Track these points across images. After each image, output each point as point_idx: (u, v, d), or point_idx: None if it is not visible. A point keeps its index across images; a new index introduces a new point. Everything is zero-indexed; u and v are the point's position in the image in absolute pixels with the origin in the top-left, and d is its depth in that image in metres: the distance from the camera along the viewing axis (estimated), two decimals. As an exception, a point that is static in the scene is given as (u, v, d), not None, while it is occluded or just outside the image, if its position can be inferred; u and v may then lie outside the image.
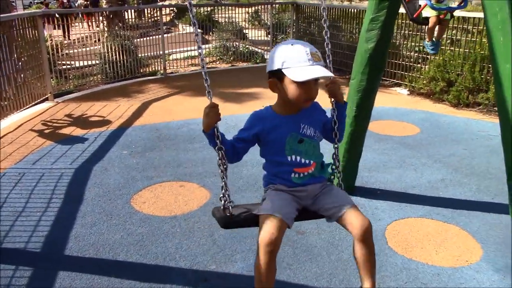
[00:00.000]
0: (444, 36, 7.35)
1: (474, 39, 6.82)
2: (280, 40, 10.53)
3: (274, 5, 11.48)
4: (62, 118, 6.31)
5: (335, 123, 2.09)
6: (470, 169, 4.66)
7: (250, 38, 11.57)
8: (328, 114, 2.16)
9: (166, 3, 24.63)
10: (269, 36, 10.80)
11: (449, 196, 4.10)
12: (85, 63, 8.52)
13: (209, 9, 11.92)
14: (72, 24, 10.13)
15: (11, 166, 4.65)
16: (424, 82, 7.38)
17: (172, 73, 9.38)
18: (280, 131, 1.98)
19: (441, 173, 4.56)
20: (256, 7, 13.14)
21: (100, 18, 9.40)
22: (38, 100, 6.89)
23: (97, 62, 8.60)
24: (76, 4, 23.97)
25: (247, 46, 10.85)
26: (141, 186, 4.23)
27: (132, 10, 10.15)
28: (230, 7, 11.07)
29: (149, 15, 10.60)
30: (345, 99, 2.14)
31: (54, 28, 8.71)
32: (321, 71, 1.87)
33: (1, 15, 6.60)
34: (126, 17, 9.80)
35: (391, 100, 7.21)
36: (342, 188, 2.15)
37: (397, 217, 3.71)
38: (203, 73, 1.94)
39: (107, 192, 4.12)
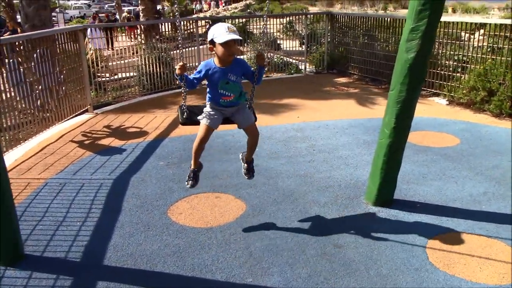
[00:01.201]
0: (485, 44, 7.16)
1: (517, 47, 6.58)
2: (314, 51, 10.50)
3: (308, 15, 11.47)
4: (101, 129, 6.46)
5: (256, 76, 3.42)
6: (515, 182, 4.48)
7: (284, 48, 11.58)
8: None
9: (201, 15, 25.04)
10: (303, 46, 10.78)
11: (492, 210, 3.94)
12: (123, 75, 8.73)
13: (243, 20, 12.02)
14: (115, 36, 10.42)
15: (52, 176, 4.79)
16: (464, 91, 7.17)
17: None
18: (217, 76, 3.32)
19: (483, 186, 4.40)
20: (290, 18, 13.15)
21: (138, 31, 9.62)
22: (78, 112, 7.09)
23: (135, 74, 8.79)
24: (121, 17, 24.68)
25: (281, 56, 10.86)
26: (177, 197, 4.27)
27: (168, 23, 10.35)
28: (264, 18, 11.12)
29: (184, 27, 10.77)
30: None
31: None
32: (233, 36, 3.17)
33: (45, 30, 6.86)
34: (162, 30, 10.00)
35: (429, 110, 7.04)
36: (252, 110, 3.57)
37: (438, 232, 3.60)
38: (179, 40, 3.47)
39: (144, 202, 4.17)
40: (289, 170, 4.71)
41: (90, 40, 9.79)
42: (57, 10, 29.51)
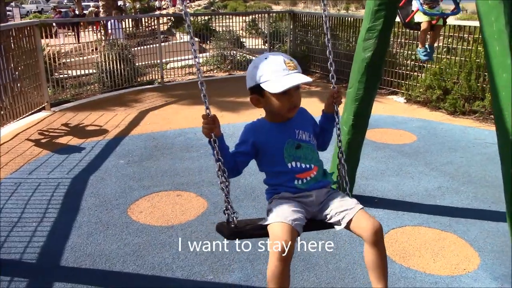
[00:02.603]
0: (440, 44, 7.41)
1: (470, 48, 6.86)
2: (277, 49, 10.58)
3: (271, 14, 11.54)
4: (59, 127, 6.30)
5: (332, 127, 2.17)
6: (467, 177, 4.67)
7: (247, 46, 11.61)
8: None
9: (164, 12, 24.72)
10: (267, 44, 10.83)
11: (446, 204, 4.10)
12: (82, 72, 8.54)
13: (206, 18, 11.97)
14: (68, 34, 10.17)
15: (7, 176, 4.64)
16: (421, 90, 7.41)
17: (169, 82, 9.40)
18: (277, 139, 1.98)
19: (438, 181, 4.56)
20: (253, 16, 13.19)
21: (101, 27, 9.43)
22: (35, 110, 6.88)
23: (94, 71, 8.61)
24: (88, 11, 24.06)
25: (245, 54, 10.88)
26: (138, 196, 4.22)
27: (130, 19, 10.17)
28: (227, 16, 11.12)
29: (146, 23, 10.63)
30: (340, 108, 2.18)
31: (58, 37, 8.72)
32: (297, 78, 1.88)
33: (-2, 25, 6.61)
34: (124, 26, 9.83)
35: (388, 108, 7.23)
36: (350, 196, 2.10)
37: (394, 226, 3.71)
38: (199, 83, 1.90)
39: (103, 202, 4.10)
40: (251, 168, 4.72)
41: (112, 31, 9.66)
42: (13, 4, 28.44)
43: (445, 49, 7.35)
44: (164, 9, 32.42)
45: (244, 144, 2.00)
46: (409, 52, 7.82)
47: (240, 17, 11.34)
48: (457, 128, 6.25)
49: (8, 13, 11.29)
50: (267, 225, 1.91)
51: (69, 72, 8.65)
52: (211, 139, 1.88)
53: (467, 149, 5.47)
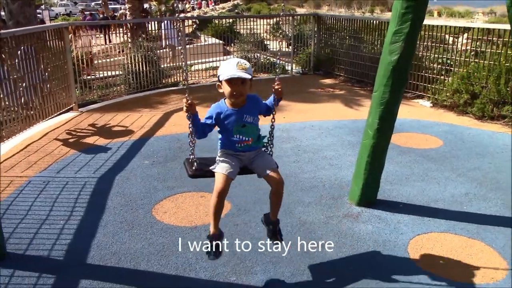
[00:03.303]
0: (468, 48, 7.28)
1: (499, 51, 6.71)
2: (301, 52, 10.55)
3: (295, 16, 11.53)
4: (86, 127, 6.42)
5: (273, 109, 2.99)
6: (495, 183, 4.57)
7: (271, 49, 11.62)
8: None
9: (189, 15, 24.97)
10: (290, 47, 10.83)
11: (473, 211, 4.02)
12: (109, 73, 8.69)
13: (230, 20, 12.03)
14: (98, 36, 10.36)
15: (36, 174, 4.75)
16: (448, 94, 7.28)
17: (193, 84, 9.48)
18: (230, 120, 2.87)
19: (465, 187, 4.48)
20: (277, 19, 13.21)
21: (124, 29, 9.58)
22: (63, 110, 7.04)
23: (121, 72, 8.75)
24: (118, 14, 24.50)
25: (268, 57, 10.90)
26: (162, 196, 4.27)
27: (155, 22, 10.30)
28: (251, 19, 11.16)
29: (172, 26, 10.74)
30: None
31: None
32: (236, 74, 2.73)
33: (29, 27, 6.79)
34: (149, 29, 9.97)
35: (413, 112, 7.14)
36: (271, 155, 3.02)
37: (420, 232, 3.66)
38: (184, 80, 2.45)
39: (129, 201, 4.17)
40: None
41: (168, 32, 10.03)
42: (42, 7, 29.17)
43: (473, 53, 7.22)
44: (188, 11, 32.68)
45: (210, 118, 2.93)
46: (436, 55, 7.70)
47: (264, 20, 11.36)
48: (485, 134, 6.12)
49: (38, 15, 11.60)
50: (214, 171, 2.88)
51: (97, 73, 8.82)
52: (188, 115, 2.87)
53: (495, 155, 5.35)
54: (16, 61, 5.85)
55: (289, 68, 10.56)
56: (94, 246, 3.45)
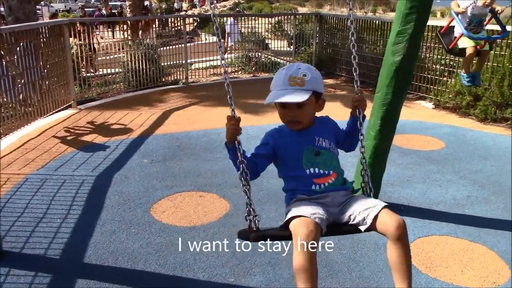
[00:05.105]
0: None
1: (503, 53, 6.70)
2: (302, 51, 10.54)
3: (297, 16, 11.52)
4: (85, 125, 6.41)
5: (358, 131, 2.14)
6: (498, 186, 4.56)
7: (272, 48, 11.61)
8: (340, 125, 2.21)
9: (189, 13, 24.95)
10: (292, 46, 10.82)
11: (475, 214, 4.01)
12: (108, 71, 8.68)
13: (231, 19, 12.01)
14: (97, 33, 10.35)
15: (33, 172, 4.74)
16: (450, 96, 7.27)
17: (193, 82, 9.47)
18: (296, 145, 2.04)
19: (467, 190, 4.46)
20: (279, 18, 13.20)
21: (124, 26, 9.57)
22: (62, 107, 7.02)
23: (120, 70, 8.74)
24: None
25: (269, 56, 10.89)
26: (160, 195, 4.25)
27: (156, 20, 10.29)
28: (252, 17, 11.15)
29: (172, 24, 10.74)
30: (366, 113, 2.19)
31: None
32: (283, 96, 1.96)
33: (29, 23, 6.78)
34: (139, 28, 9.96)
35: (415, 113, 7.13)
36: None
37: (420, 234, 3.64)
38: (225, 85, 1.99)
39: (127, 200, 4.15)
40: (274, 170, 4.71)
41: (231, 27, 10.00)
42: (42, 3, 29.14)
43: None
44: (185, 11, 32.45)
45: (265, 146, 2.08)
46: (439, 56, 7.69)
47: (266, 19, 11.35)
48: (488, 136, 6.11)
49: (37, 11, 11.60)
50: (288, 223, 1.91)
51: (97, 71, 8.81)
52: (236, 141, 1.94)
53: (498, 157, 5.34)
54: (15, 57, 5.84)
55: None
56: (91, 245, 3.43)
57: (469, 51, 4.83)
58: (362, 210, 1.93)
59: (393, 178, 4.67)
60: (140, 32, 10.55)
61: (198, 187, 4.45)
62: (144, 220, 3.81)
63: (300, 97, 1.94)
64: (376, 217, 1.88)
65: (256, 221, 1.97)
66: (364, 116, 2.15)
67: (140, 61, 8.58)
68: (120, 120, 6.64)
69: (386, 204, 1.93)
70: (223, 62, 2.01)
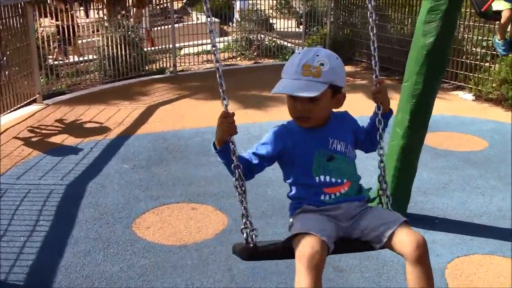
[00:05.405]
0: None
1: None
2: (314, 33, 10.56)
3: (307, -11, 11.56)
4: (52, 123, 6.44)
5: (377, 130, 2.15)
6: (552, 194, 4.56)
7: (277, 29, 11.64)
8: (361, 122, 2.22)
9: (177, -13, 24.93)
10: (301, 27, 10.84)
11: (525, 228, 4.02)
12: (80, 58, 8.71)
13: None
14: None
15: (-9, 181, 4.77)
16: (494, 85, 7.27)
17: (183, 71, 9.50)
18: (306, 147, 2.05)
19: (515, 199, 4.47)
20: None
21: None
22: (25, 102, 7.04)
23: (95, 57, 8.77)
24: None
25: (274, 39, 10.91)
26: (144, 208, 4.27)
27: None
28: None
29: (157, 0, 10.78)
30: (391, 106, 2.20)
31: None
32: (292, 87, 1.97)
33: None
34: (129, 5, 10.00)
35: (452, 106, 7.13)
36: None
37: (460, 253, 3.64)
38: (217, 75, 1.98)
39: (104, 214, 4.17)
40: (281, 177, 4.72)
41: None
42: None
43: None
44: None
45: (268, 146, 2.08)
46: (479, 37, 7.69)
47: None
48: (540, 133, 6.12)
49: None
50: (290, 240, 1.94)
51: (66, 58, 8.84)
52: (229, 142, 1.96)
53: (552, 159, 5.34)
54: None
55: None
56: (61, 268, 3.45)
57: (506, 14, 4.85)
58: (377, 225, 1.97)
59: (425, 185, 4.67)
60: (134, 10, 10.54)
61: (189, 197, 4.46)
62: (125, 237, 3.82)
63: (312, 91, 1.94)
64: (392, 234, 1.92)
65: (254, 236, 1.99)
66: (390, 112, 2.16)
67: (119, 46, 8.60)
68: (95, 118, 6.66)
69: (405, 219, 1.96)
70: (214, 49, 2.00)
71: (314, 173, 2.03)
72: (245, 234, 2.00)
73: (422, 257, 1.86)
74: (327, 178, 2.03)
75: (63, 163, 5.17)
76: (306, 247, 1.83)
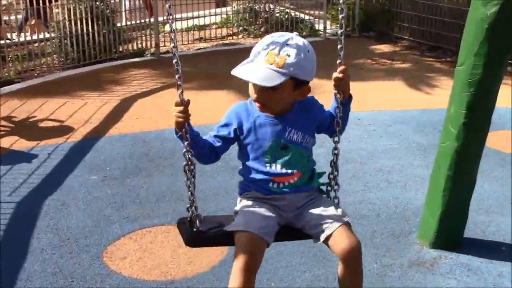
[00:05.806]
0: None
1: None
2: (337, 1, 10.54)
3: None
4: (-2, 122, 6.46)
5: (337, 123, 2.70)
6: None
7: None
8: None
9: None
10: (322, -6, 10.85)
11: None
12: (34, 37, 8.72)
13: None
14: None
15: None
16: None
17: (168, 52, 9.50)
18: (262, 134, 2.55)
19: None
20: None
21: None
22: (-38, 95, 7.08)
23: (53, 35, 8.78)
24: None
25: (287, 10, 10.91)
26: (119, 233, 4.27)
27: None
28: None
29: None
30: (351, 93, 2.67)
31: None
32: (248, 71, 2.42)
33: None
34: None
35: (521, 97, 7.12)
36: (337, 203, 2.69)
37: (535, 290, 3.63)
38: (174, 62, 2.45)
39: (66, 240, 4.17)
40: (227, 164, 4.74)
41: None
42: None
43: None
44: None
45: (227, 127, 2.60)
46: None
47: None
48: None
49: None
50: (232, 232, 2.47)
51: (12, 36, 8.85)
52: (183, 131, 2.44)
53: None
54: None
55: (321, 27, 10.57)
56: (10, 311, 3.45)
57: None
58: (317, 224, 2.52)
59: (488, 200, 4.66)
60: None
61: (177, 218, 4.41)
62: (94, 271, 3.82)
63: (269, 81, 2.36)
64: (330, 235, 2.47)
65: (198, 222, 2.53)
66: (350, 98, 2.66)
67: (84, 21, 8.60)
68: (54, 114, 6.68)
69: (346, 221, 2.51)
70: (172, 36, 2.45)
71: (266, 161, 2.54)
72: (190, 212, 2.56)
73: (354, 261, 2.44)
74: (278, 168, 2.54)
75: (11, 174, 5.19)
76: (243, 247, 2.38)
